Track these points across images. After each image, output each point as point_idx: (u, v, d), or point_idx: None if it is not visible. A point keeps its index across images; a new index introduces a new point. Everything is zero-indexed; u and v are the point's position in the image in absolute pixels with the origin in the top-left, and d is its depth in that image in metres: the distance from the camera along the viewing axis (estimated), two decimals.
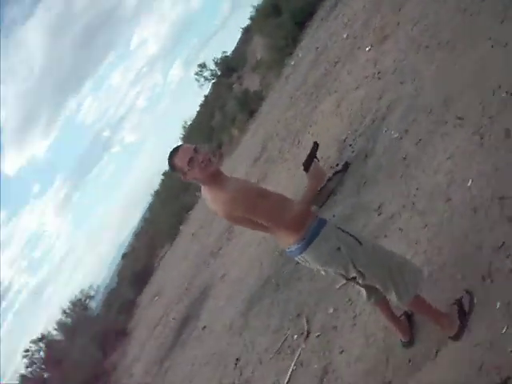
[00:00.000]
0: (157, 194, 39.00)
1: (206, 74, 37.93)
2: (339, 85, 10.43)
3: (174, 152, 3.06)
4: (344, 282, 3.53)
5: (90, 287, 32.48)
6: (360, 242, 3.13)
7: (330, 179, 6.96)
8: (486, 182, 3.95)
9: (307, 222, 3.08)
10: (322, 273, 3.30)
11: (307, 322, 5.25)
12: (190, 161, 3.00)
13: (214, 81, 38.30)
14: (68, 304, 28.48)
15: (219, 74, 37.29)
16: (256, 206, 3.02)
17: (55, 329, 27.19)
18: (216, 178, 3.08)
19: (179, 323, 11.83)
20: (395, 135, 6.18)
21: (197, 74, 38.52)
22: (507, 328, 2.96)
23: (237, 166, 19.70)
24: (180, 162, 3.03)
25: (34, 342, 26.27)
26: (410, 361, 3.52)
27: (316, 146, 3.24)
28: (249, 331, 6.72)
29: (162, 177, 38.40)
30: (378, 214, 5.28)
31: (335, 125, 8.91)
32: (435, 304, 3.37)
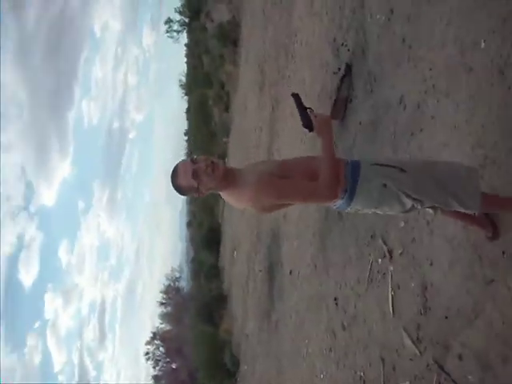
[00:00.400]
0: (188, 155, 39.29)
1: (176, 26, 37.12)
2: None
3: (174, 175, 2.81)
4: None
5: (173, 270, 33.48)
6: (402, 169, 2.85)
7: (339, 88, 6.59)
8: (500, 38, 3.53)
9: (341, 173, 2.81)
10: (380, 212, 3.04)
11: (384, 242, 5.05)
12: (194, 173, 2.74)
13: (186, 29, 37.39)
14: (161, 294, 29.45)
15: (187, 21, 36.27)
16: (283, 189, 2.78)
17: (160, 322, 28.32)
18: (230, 178, 2.84)
19: (266, 273, 11.90)
20: (382, 18, 5.71)
21: (167, 31, 37.80)
22: None
23: (246, 100, 19.33)
24: (185, 180, 2.78)
25: (148, 342, 27.43)
26: (503, 253, 3.28)
27: (296, 97, 2.84)
28: (333, 267, 6.59)
29: (185, 137, 38.53)
30: (404, 108, 4.92)
31: (318, 26, 8.42)
32: (506, 189, 3.10)
